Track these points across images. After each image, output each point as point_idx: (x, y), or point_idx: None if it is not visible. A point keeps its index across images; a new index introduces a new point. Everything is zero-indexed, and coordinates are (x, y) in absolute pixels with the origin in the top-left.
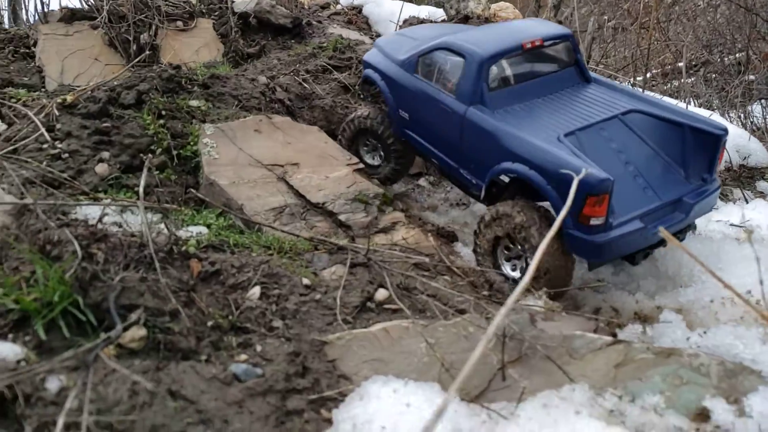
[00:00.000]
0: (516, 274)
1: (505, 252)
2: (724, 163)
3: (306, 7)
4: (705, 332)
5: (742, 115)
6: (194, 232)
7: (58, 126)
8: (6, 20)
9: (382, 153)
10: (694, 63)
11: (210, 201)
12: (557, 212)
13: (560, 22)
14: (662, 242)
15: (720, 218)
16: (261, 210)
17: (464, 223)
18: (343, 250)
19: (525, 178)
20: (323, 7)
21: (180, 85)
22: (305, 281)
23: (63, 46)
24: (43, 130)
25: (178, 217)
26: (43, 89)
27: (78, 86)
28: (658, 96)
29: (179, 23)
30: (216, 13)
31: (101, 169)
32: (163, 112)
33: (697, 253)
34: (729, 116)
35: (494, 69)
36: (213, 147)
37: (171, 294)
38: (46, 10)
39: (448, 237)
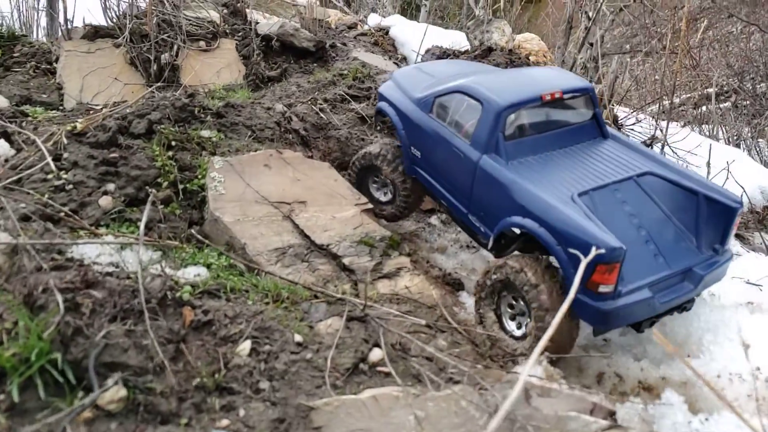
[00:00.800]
0: (519, 332)
1: (509, 310)
2: (747, 205)
3: (333, 26)
4: (707, 419)
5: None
6: (193, 273)
7: (66, 155)
8: (42, 26)
9: (391, 189)
10: (725, 90)
11: (211, 242)
12: (565, 273)
13: (591, 45)
14: (670, 311)
15: (737, 273)
16: (264, 250)
17: (472, 269)
18: (342, 301)
19: (535, 235)
20: (350, 27)
21: (193, 114)
22: (297, 338)
23: (84, 64)
24: (49, 159)
25: (179, 255)
26: (61, 107)
27: (96, 105)
28: (673, 160)
29: (202, 43)
30: (239, 34)
31: (105, 202)
32: (173, 143)
33: (706, 322)
34: (758, 147)
35: (511, 117)
36: (220, 182)
37: (158, 347)
38: (70, 26)
39: (453, 285)
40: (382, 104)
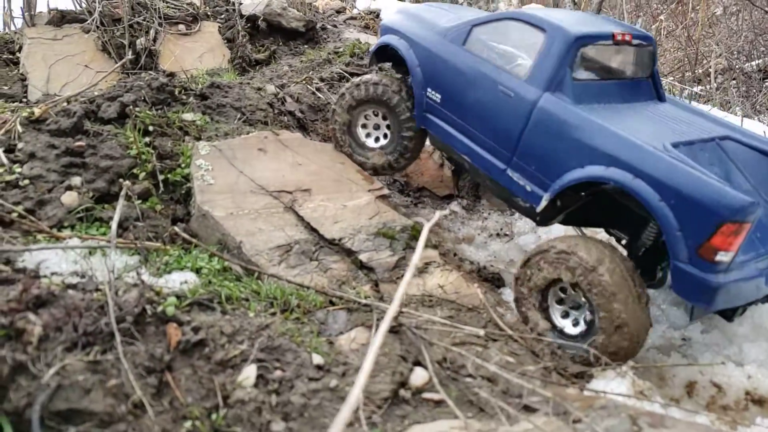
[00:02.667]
0: (576, 330)
1: (557, 305)
2: None
3: (320, 11)
4: None
5: (767, 122)
6: (179, 280)
7: (21, 145)
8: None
9: (386, 133)
10: (719, 69)
11: (200, 242)
12: (668, 238)
13: None
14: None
15: None
16: (264, 248)
17: (510, 261)
18: (366, 307)
19: (628, 189)
20: (338, 12)
21: (173, 95)
22: (317, 359)
23: (50, 51)
24: None
25: (161, 259)
26: (24, 99)
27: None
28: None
29: (181, 27)
30: (222, 16)
31: (69, 198)
32: (151, 128)
33: None
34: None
35: (581, 52)
36: (208, 170)
37: (134, 381)
38: (33, 12)
39: (492, 281)
40: (389, 37)
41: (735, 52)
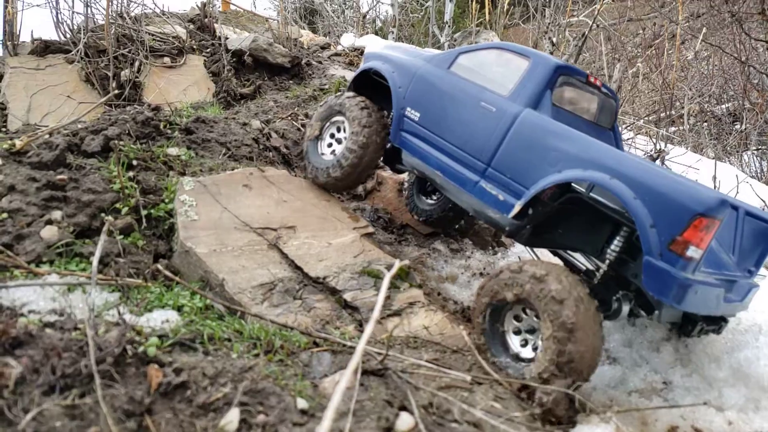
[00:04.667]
0: (528, 353)
1: (514, 321)
2: None
3: (305, 47)
4: None
5: (737, 164)
6: (160, 319)
7: (0, 178)
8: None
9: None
10: (690, 111)
11: (182, 279)
12: (642, 233)
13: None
14: (715, 320)
15: None
16: (247, 286)
17: None
18: (351, 349)
19: (605, 188)
20: (323, 48)
21: (158, 129)
22: (301, 404)
23: (32, 81)
24: None
25: (143, 296)
26: (4, 129)
27: (45, 126)
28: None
29: (166, 59)
30: (208, 50)
31: (49, 233)
32: (135, 162)
33: None
34: (742, 161)
35: (559, 82)
36: (192, 206)
37: (113, 426)
38: (16, 41)
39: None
40: (374, 63)
41: (707, 96)
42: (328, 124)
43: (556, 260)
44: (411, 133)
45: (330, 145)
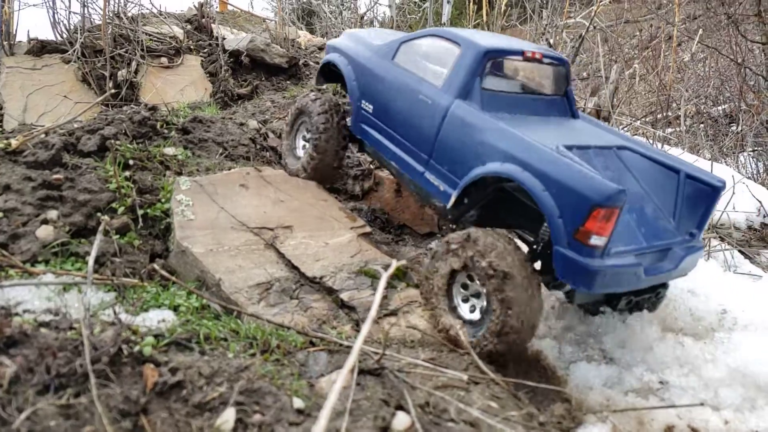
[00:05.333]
0: (475, 316)
1: (462, 290)
2: (746, 221)
3: (303, 47)
4: None
5: (733, 165)
6: (156, 318)
7: None
8: None
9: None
10: (688, 113)
11: (178, 278)
12: (550, 223)
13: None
14: (651, 289)
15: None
16: (243, 286)
17: None
18: (348, 349)
19: (517, 181)
20: (320, 48)
21: (154, 129)
22: (297, 403)
23: (29, 81)
24: None
25: (139, 296)
26: None
27: (41, 126)
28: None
29: (163, 59)
30: (205, 50)
31: (44, 232)
32: (131, 162)
33: None
34: (739, 162)
35: (490, 65)
36: (188, 205)
37: (108, 425)
38: (12, 41)
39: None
40: (332, 56)
41: (703, 97)
42: (299, 124)
43: None
44: (368, 125)
45: (304, 147)
